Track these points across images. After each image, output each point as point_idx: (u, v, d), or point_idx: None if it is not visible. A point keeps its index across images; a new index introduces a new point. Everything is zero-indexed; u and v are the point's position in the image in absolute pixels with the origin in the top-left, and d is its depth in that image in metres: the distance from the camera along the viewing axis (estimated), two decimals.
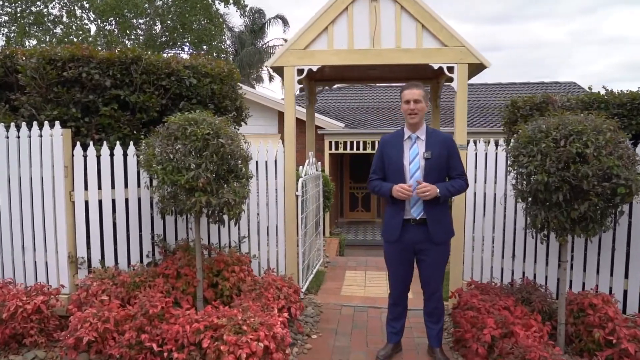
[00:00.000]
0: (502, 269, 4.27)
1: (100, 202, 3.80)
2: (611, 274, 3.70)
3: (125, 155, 3.86)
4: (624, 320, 3.24)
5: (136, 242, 3.94)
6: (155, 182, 3.46)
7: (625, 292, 3.66)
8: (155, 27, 15.61)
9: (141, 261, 3.97)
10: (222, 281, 3.81)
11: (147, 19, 15.46)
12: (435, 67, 4.42)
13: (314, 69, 4.52)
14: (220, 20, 15.92)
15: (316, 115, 12.33)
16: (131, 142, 3.84)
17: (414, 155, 3.29)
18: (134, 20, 15.33)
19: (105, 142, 3.76)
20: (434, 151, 3.24)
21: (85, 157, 3.73)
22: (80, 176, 3.71)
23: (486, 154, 4.17)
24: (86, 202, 3.76)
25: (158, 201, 3.42)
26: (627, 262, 3.61)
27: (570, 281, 3.88)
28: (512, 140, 3.39)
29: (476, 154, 4.26)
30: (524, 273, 4.11)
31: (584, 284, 3.84)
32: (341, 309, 4.73)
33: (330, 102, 16.16)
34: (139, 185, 3.93)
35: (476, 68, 4.49)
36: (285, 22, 25.36)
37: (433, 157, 3.23)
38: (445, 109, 12.82)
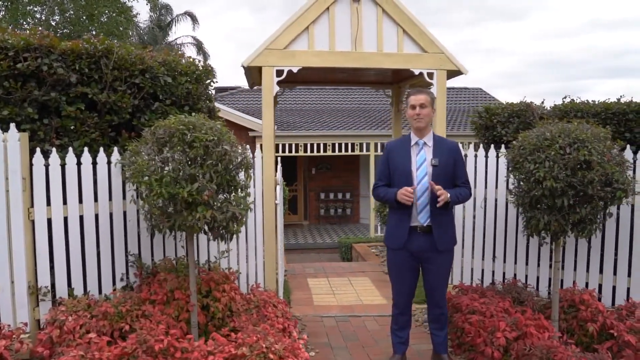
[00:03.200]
0: (482, 271, 4.41)
1: (65, 219, 3.20)
2: (587, 270, 3.99)
3: (94, 163, 3.30)
4: (611, 313, 3.50)
5: (108, 264, 3.40)
6: (143, 195, 2.99)
7: (600, 286, 3.97)
8: (55, 18, 13.92)
9: (114, 285, 3.43)
10: (213, 302, 3.43)
11: (45, 7, 13.74)
12: (416, 72, 4.44)
13: (295, 70, 4.29)
14: (131, 13, 14.69)
15: (251, 118, 11.94)
16: (101, 149, 3.30)
17: (422, 162, 3.24)
18: (30, 7, 13.52)
19: (70, 149, 3.18)
20: (442, 158, 3.22)
21: (47, 166, 3.11)
22: (42, 190, 3.09)
23: (475, 158, 4.25)
24: (49, 220, 3.15)
25: (149, 217, 2.97)
26: (602, 260, 3.92)
27: (549, 279, 4.11)
28: (511, 147, 3.50)
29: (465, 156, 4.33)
30: (504, 274, 4.28)
31: (562, 281, 4.10)
32: (322, 320, 4.55)
33: (252, 103, 15.78)
34: (110, 199, 3.39)
35: (453, 74, 4.59)
36: (194, 19, 24.20)
37: (441, 164, 3.21)
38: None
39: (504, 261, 4.27)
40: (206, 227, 2.98)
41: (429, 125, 3.29)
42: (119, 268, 3.46)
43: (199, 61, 3.98)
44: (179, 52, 3.95)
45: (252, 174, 3.29)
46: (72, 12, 13.96)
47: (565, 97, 4.03)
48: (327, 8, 4.31)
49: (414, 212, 3.22)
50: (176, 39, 23.54)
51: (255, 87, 5.63)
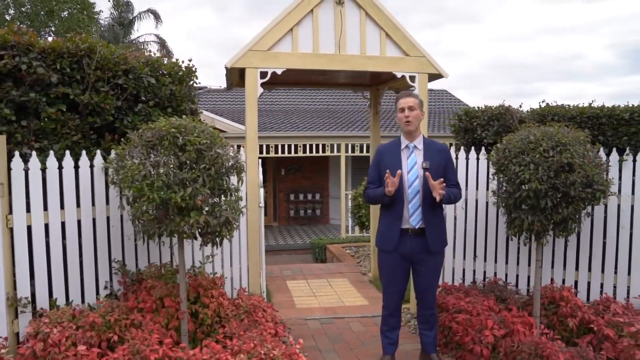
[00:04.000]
0: (463, 270, 4.51)
1: (46, 226, 3.05)
2: (564, 267, 4.16)
3: (76, 167, 3.16)
4: (589, 309, 3.66)
5: (91, 272, 3.26)
6: (131, 200, 2.89)
7: (576, 282, 4.14)
8: (10, 12, 13.21)
9: (97, 293, 3.30)
10: (202, 309, 3.35)
11: None
12: (399, 75, 4.49)
13: (279, 72, 4.26)
14: (93, 10, 14.14)
15: (222, 119, 11.76)
16: (83, 152, 3.16)
17: (412, 165, 3.28)
18: None
19: (52, 152, 3.03)
20: (433, 161, 3.27)
21: (26, 171, 2.95)
22: (21, 196, 2.93)
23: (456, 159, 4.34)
24: (28, 228, 2.99)
25: (138, 223, 2.87)
26: (577, 257, 4.09)
27: (528, 277, 4.26)
28: (494, 150, 3.61)
29: None
30: (485, 273, 4.40)
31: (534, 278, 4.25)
32: (307, 323, 4.54)
33: (221, 104, 15.55)
34: (93, 204, 3.25)
35: (433, 77, 4.68)
36: (157, 16, 23.60)
37: (432, 167, 3.25)
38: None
39: (485, 260, 4.39)
40: (197, 233, 2.91)
41: (418, 129, 3.34)
42: (102, 276, 3.32)
43: (182, 62, 3.88)
44: (143, 50, 3.82)
45: (243, 178, 3.23)
46: (29, 7, 13.31)
47: (542, 101, 4.20)
48: (311, 10, 4.29)
49: (405, 214, 3.26)
50: (139, 37, 22.91)
51: (233, 89, 5.55)
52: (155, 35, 22.68)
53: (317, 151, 12.10)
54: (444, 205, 3.46)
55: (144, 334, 2.72)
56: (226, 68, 4.20)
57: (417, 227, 3.24)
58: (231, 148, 3.17)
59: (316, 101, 16.40)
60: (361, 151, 12.28)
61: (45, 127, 3.07)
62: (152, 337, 2.66)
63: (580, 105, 4.09)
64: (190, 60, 3.94)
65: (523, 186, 3.30)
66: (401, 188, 3.24)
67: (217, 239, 3.03)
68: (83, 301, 3.23)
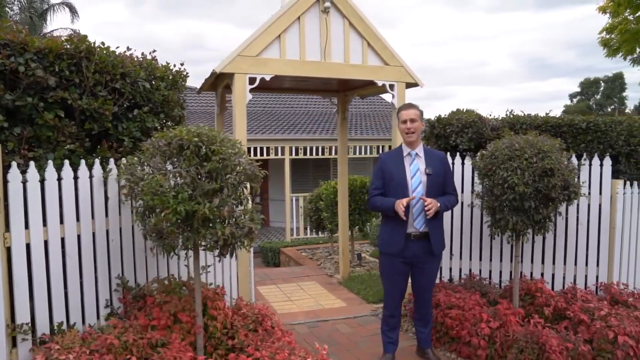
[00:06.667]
0: (440, 268, 4.79)
1: (46, 243, 2.79)
2: (531, 261, 4.58)
3: (76, 178, 2.92)
4: (560, 297, 4.09)
5: (92, 291, 3.03)
6: (146, 213, 2.75)
7: (542, 274, 4.59)
8: None
9: (97, 312, 3.07)
10: (210, 321, 3.26)
11: None
12: (380, 83, 4.67)
13: (267, 78, 4.24)
14: (4, 2, 12.73)
15: None
16: (82, 162, 2.93)
17: (415, 171, 3.47)
18: None
19: (50, 162, 2.78)
20: (434, 168, 3.48)
21: (24, 183, 2.68)
22: (19, 211, 2.66)
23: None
24: (27, 246, 2.71)
25: (154, 237, 2.74)
26: (543, 252, 4.53)
27: (500, 271, 4.64)
28: (480, 156, 3.89)
29: None
30: (460, 270, 4.71)
31: (510, 273, 4.64)
32: (294, 328, 4.56)
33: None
34: (92, 217, 3.03)
35: (410, 86, 4.91)
36: (73, 10, 21.90)
37: (434, 173, 3.46)
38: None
39: (460, 258, 4.70)
40: (220, 244, 2.84)
41: (419, 138, 3.53)
42: (102, 294, 3.10)
43: (174, 65, 3.72)
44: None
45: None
46: None
47: (511, 111, 4.60)
48: (298, 18, 4.33)
49: (410, 219, 3.42)
50: (52, 30, 21.07)
51: (203, 93, 5.39)
52: (72, 29, 20.99)
53: (262, 154, 12.00)
54: None
55: (175, 353, 2.60)
56: (216, 74, 4.09)
57: (420, 230, 3.41)
58: (247, 156, 3.13)
59: (254, 104, 16.22)
60: (304, 154, 12.39)
61: (40, 134, 2.81)
62: (186, 356, 2.56)
63: (544, 115, 4.55)
64: (182, 65, 3.79)
65: (509, 190, 3.61)
66: (405, 193, 3.41)
67: (235, 251, 2.97)
68: (84, 322, 3.00)
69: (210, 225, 2.74)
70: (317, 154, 12.52)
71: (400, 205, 3.27)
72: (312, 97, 18.04)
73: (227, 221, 2.80)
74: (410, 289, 3.73)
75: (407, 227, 3.43)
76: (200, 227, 2.71)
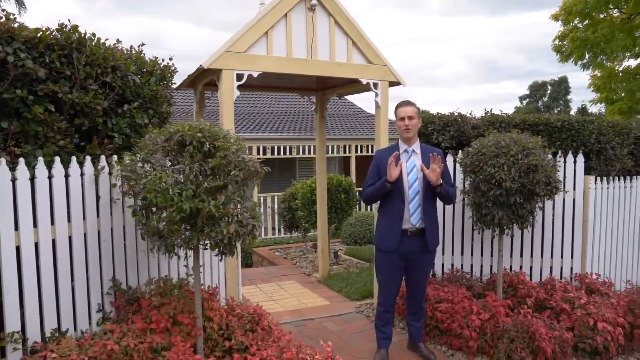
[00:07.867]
0: None
1: (36, 245, 2.62)
2: (510, 255, 4.76)
3: (66, 176, 2.77)
4: (540, 288, 4.26)
5: (84, 294, 2.88)
6: (145, 212, 2.65)
7: (521, 267, 4.77)
8: None
9: (89, 317, 2.92)
10: (207, 323, 3.18)
11: None
12: (364, 82, 4.71)
13: (255, 75, 4.18)
14: None
15: None
16: (73, 159, 2.78)
17: (412, 167, 3.53)
18: None
19: (41, 159, 2.61)
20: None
21: (14, 181, 2.51)
22: (9, 212, 2.48)
23: None
24: (16, 248, 2.54)
25: (154, 236, 2.64)
26: (522, 245, 4.72)
27: (481, 265, 4.79)
28: (466, 153, 4.01)
29: None
30: (443, 264, 4.83)
31: (490, 266, 4.81)
32: (282, 327, 4.50)
33: None
34: (84, 217, 2.88)
35: (393, 84, 4.97)
36: (20, 2, 20.68)
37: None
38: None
39: (442, 253, 4.82)
40: (224, 243, 2.77)
41: (415, 135, 3.58)
42: (94, 297, 2.96)
43: (162, 60, 3.59)
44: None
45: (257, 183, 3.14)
46: None
47: (489, 111, 4.76)
48: (285, 14, 4.29)
49: (406, 215, 3.47)
50: None
51: (183, 89, 5.24)
52: (20, 23, 19.82)
53: None
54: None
55: (179, 357, 2.51)
56: (203, 69, 3.99)
57: (417, 226, 3.46)
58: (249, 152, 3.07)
59: (218, 103, 15.92)
60: (272, 153, 12.30)
61: (29, 130, 2.64)
62: (194, 359, 2.48)
63: (522, 114, 4.75)
64: (170, 59, 3.67)
65: (496, 185, 3.73)
66: (402, 189, 3.46)
67: (234, 249, 2.92)
68: (76, 328, 2.85)
69: (214, 223, 2.67)
70: (283, 153, 12.45)
71: (390, 161, 3.28)
72: (276, 95, 17.96)
73: (231, 219, 2.74)
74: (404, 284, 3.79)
75: (403, 223, 3.47)
76: (204, 226, 2.64)
